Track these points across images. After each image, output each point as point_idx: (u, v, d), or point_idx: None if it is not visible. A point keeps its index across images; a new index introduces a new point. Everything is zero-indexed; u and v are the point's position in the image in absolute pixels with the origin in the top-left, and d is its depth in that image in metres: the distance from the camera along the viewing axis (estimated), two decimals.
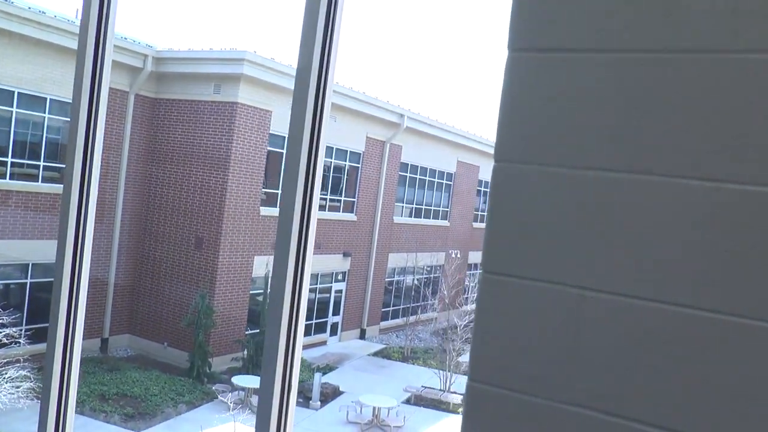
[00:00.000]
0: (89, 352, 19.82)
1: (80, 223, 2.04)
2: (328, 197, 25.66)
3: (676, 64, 1.32)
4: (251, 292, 22.03)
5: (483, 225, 34.57)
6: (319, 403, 18.86)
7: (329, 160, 25.32)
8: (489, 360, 1.46)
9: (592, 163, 1.39)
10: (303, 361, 22.42)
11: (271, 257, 21.92)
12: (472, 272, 36.40)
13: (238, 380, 18.65)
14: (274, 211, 22.80)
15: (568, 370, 1.40)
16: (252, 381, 18.66)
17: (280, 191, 22.71)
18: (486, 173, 37.02)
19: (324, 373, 20.82)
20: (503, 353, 1.45)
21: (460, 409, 19.62)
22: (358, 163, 26.67)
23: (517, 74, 1.44)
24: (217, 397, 17.94)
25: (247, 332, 21.71)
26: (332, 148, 25.22)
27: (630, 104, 1.35)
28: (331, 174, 25.61)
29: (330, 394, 19.50)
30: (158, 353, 20.72)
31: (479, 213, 37.53)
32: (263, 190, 22.15)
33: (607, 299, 1.37)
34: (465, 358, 23.13)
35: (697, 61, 1.30)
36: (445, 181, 33.24)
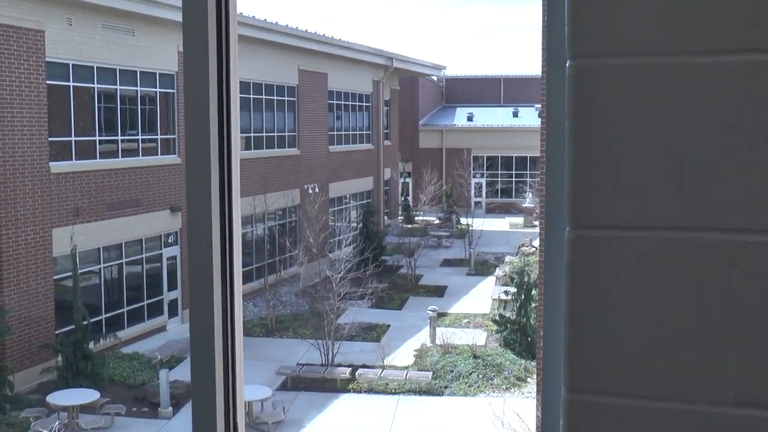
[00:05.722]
0: None
1: None
2: (140, 137, 24.72)
3: None
4: (55, 277, 21.08)
5: (343, 147, 35.28)
6: (170, 408, 18.50)
7: (133, 88, 24.32)
8: (593, 360, 1.27)
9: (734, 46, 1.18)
10: (140, 356, 21.84)
11: (76, 226, 20.91)
12: (335, 208, 36.57)
13: (55, 398, 17.88)
14: (71, 166, 21.72)
15: (719, 359, 1.21)
16: (75, 396, 17.96)
17: (73, 138, 21.62)
18: (336, 81, 36.83)
19: (170, 368, 20.36)
20: (615, 347, 1.25)
21: (350, 386, 19.85)
22: (173, 89, 25.76)
23: None
24: (30, 428, 17.12)
25: (57, 332, 20.85)
26: (135, 71, 24.21)
27: None
28: (138, 106, 24.65)
29: (183, 395, 19.11)
30: None
31: (335, 133, 37.47)
32: (50, 138, 20.98)
33: None
34: (345, 319, 23.29)
35: None
36: (286, 98, 32.84)
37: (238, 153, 1.77)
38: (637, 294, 1.23)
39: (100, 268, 23.12)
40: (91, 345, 20.35)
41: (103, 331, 22.22)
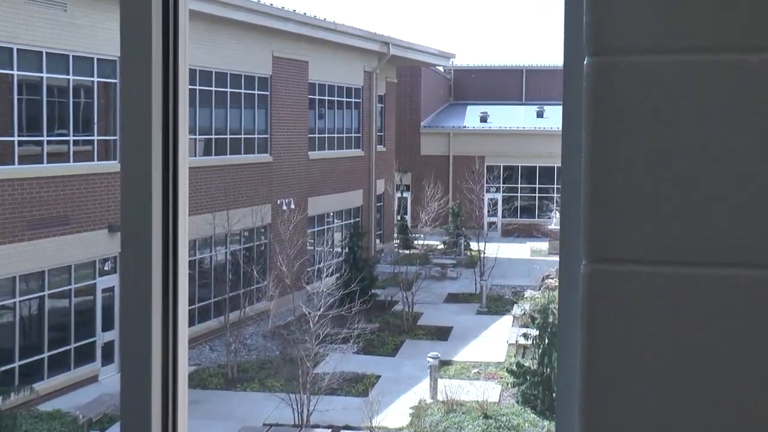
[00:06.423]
0: None
1: None
2: (71, 138, 24.70)
3: None
4: None
5: (326, 153, 35.46)
6: None
7: (64, 76, 24.34)
8: (612, 419, 1.30)
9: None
10: (63, 414, 21.71)
11: (17, 245, 20.82)
12: (315, 229, 36.54)
13: None
14: (9, 171, 21.71)
15: (763, 416, 1.24)
16: None
17: (16, 138, 21.65)
18: (318, 72, 36.87)
19: (102, 430, 20.28)
20: (637, 403, 1.28)
21: None
22: (115, 78, 25.79)
23: None
24: None
25: None
26: (67, 55, 24.24)
27: None
28: (70, 99, 24.64)
29: None
30: None
31: (317, 136, 37.48)
32: None
33: None
34: (325, 367, 23.24)
35: None
36: (257, 91, 32.87)
37: (186, 160, 1.79)
38: (664, 340, 1.25)
39: (15, 303, 22.97)
40: (0, 400, 20.25)
41: (16, 382, 22.07)
